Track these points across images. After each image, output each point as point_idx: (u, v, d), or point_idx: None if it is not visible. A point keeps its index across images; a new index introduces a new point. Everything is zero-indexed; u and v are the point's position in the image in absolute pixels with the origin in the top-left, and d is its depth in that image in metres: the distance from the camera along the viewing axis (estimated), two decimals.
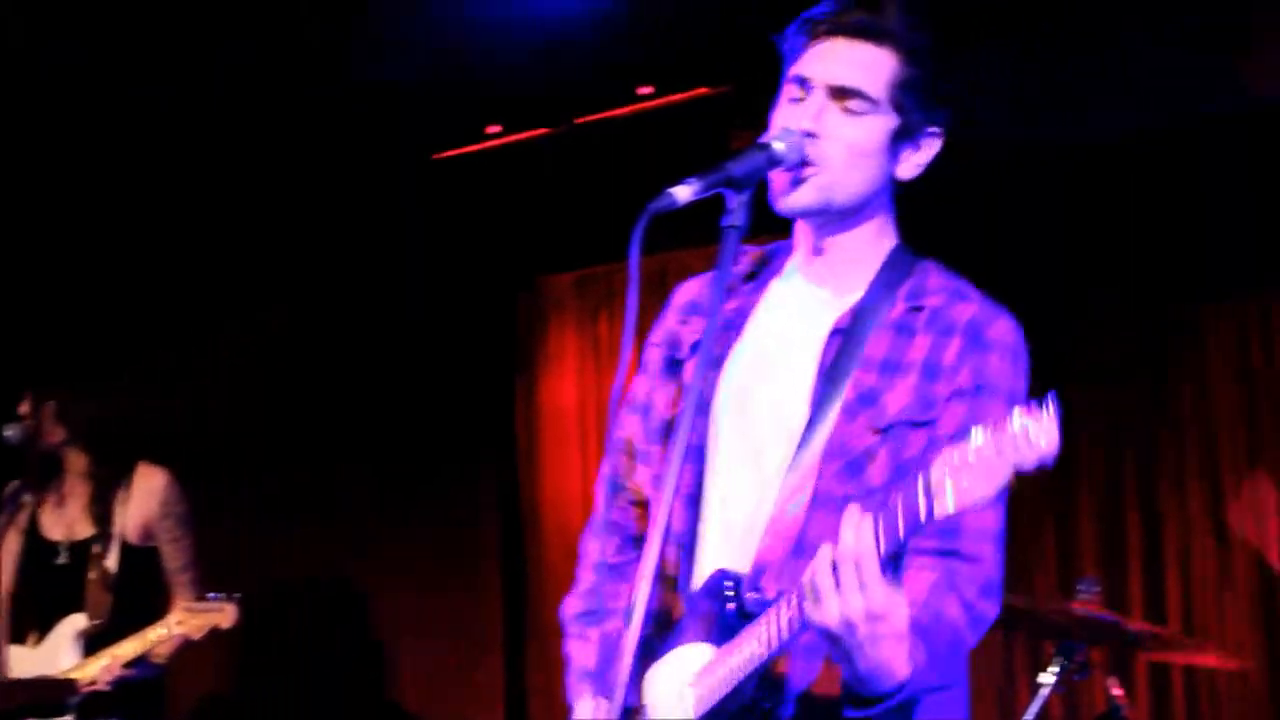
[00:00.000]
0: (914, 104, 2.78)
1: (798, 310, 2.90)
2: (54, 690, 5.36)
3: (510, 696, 7.59)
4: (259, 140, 7.05)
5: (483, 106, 6.94)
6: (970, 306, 2.79)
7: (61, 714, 5.38)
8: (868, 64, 2.75)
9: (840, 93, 2.74)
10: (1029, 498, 6.27)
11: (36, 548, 5.66)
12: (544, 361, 7.72)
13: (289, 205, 7.44)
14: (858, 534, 2.41)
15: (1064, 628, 4.83)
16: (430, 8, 6.08)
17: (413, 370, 7.73)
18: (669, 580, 2.84)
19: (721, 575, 2.71)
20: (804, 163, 2.75)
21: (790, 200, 2.77)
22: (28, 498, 5.68)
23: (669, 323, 3.03)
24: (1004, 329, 2.78)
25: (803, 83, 2.77)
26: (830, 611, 2.42)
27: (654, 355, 3.02)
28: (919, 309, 2.80)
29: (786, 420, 2.80)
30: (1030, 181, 6.09)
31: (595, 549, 3.05)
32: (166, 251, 7.48)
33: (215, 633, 5.42)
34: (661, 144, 6.57)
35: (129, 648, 5.38)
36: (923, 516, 2.34)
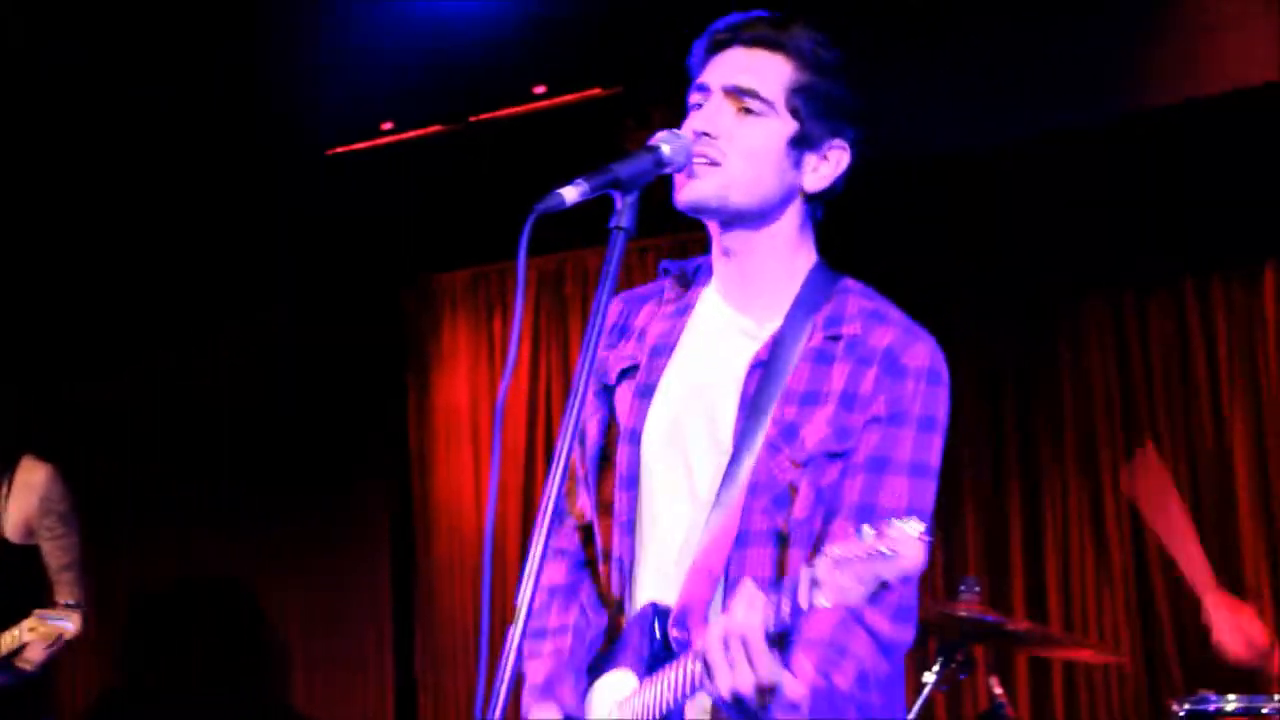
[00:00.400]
0: (812, 112, 2.78)
1: (721, 340, 2.89)
2: None
3: (400, 692, 7.58)
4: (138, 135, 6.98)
5: (378, 104, 6.91)
6: (889, 333, 2.79)
7: None
8: (763, 68, 2.77)
9: (735, 94, 2.76)
10: None
11: None
12: (437, 360, 7.71)
13: (166, 202, 7.38)
14: (748, 610, 2.44)
15: (948, 628, 4.87)
16: (329, 4, 6.07)
17: (305, 367, 7.71)
18: (614, 603, 2.87)
19: (652, 609, 2.73)
20: (704, 162, 2.76)
21: (688, 193, 2.76)
22: None
23: (595, 344, 2.90)
24: (921, 354, 2.78)
25: (702, 89, 2.80)
26: (721, 684, 2.45)
27: (588, 381, 2.91)
28: (837, 338, 2.80)
29: (713, 453, 2.81)
30: (912, 185, 6.08)
31: (550, 572, 3.01)
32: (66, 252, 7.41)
33: (72, 640, 5.34)
34: (556, 143, 6.55)
35: None
36: (804, 607, 2.37)
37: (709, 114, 2.78)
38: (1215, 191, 5.92)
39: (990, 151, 6.09)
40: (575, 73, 6.60)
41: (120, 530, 7.38)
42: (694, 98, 2.83)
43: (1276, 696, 4.37)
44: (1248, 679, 4.79)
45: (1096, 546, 6.14)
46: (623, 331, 3.00)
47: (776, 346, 2.81)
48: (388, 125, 7.03)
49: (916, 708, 4.84)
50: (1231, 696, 4.40)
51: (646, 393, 2.89)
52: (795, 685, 2.50)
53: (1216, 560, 5.36)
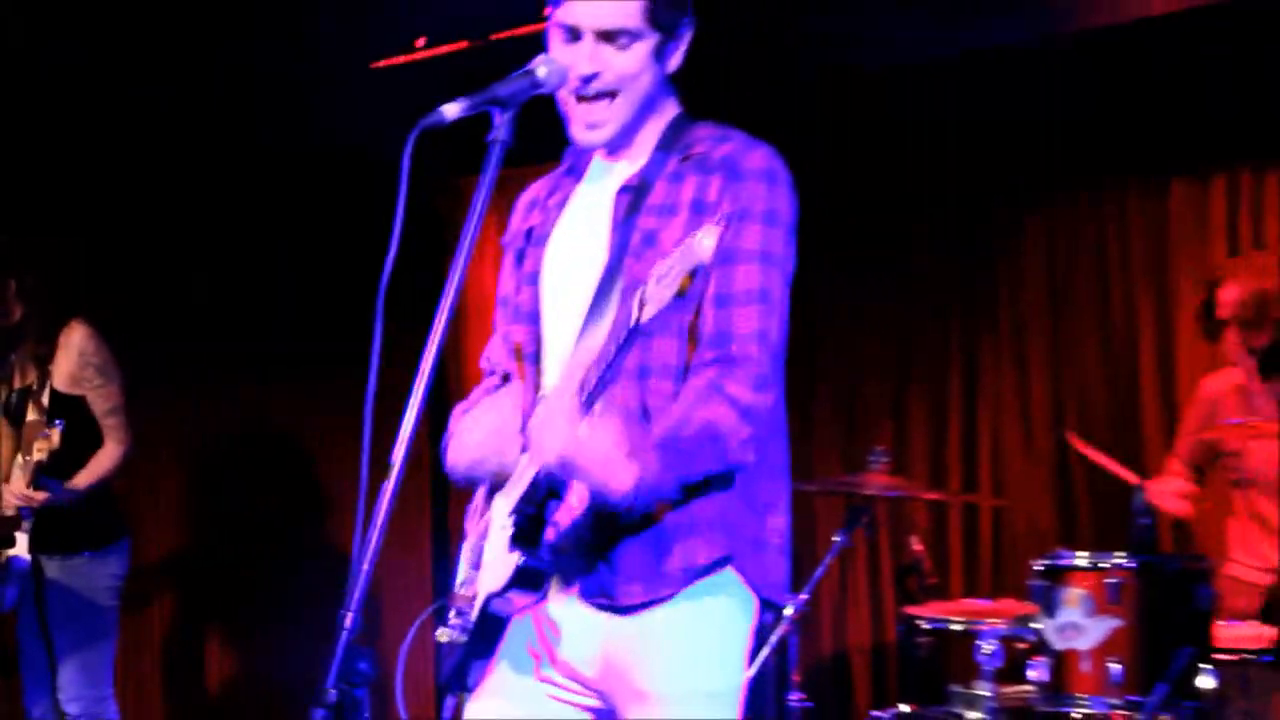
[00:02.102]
0: (666, 18, 2.89)
1: (600, 184, 3.02)
2: (5, 522, 5.44)
3: (438, 556, 7.71)
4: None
5: (409, 23, 6.67)
6: (729, 145, 2.91)
7: (11, 544, 5.45)
8: (624, 6, 2.85)
9: (607, 35, 2.86)
10: (870, 397, 6.57)
11: (8, 396, 5.71)
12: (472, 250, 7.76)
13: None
14: (561, 384, 2.70)
15: (864, 496, 5.20)
16: None
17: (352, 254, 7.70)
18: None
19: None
20: (597, 98, 2.87)
21: (587, 137, 2.93)
22: (11, 359, 5.73)
23: (514, 223, 3.14)
24: (758, 158, 2.89)
25: (571, 30, 2.87)
26: (534, 454, 2.69)
27: (507, 252, 3.14)
28: (688, 158, 2.91)
29: (593, 266, 2.91)
30: (872, 96, 6.15)
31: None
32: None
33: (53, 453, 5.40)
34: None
35: (15, 477, 5.50)
36: (632, 323, 2.54)
37: (587, 55, 2.87)
38: (1130, 114, 5.93)
39: (934, 65, 6.02)
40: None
41: (187, 391, 7.34)
42: (561, 34, 2.89)
43: (1116, 554, 4.57)
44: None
45: (1024, 430, 6.30)
46: (532, 204, 3.13)
47: (641, 176, 2.94)
48: (421, 41, 6.75)
49: (826, 560, 5.11)
50: (1081, 553, 4.62)
51: (541, 241, 3.03)
52: (600, 441, 2.61)
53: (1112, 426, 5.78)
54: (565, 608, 2.87)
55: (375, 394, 2.67)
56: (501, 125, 2.71)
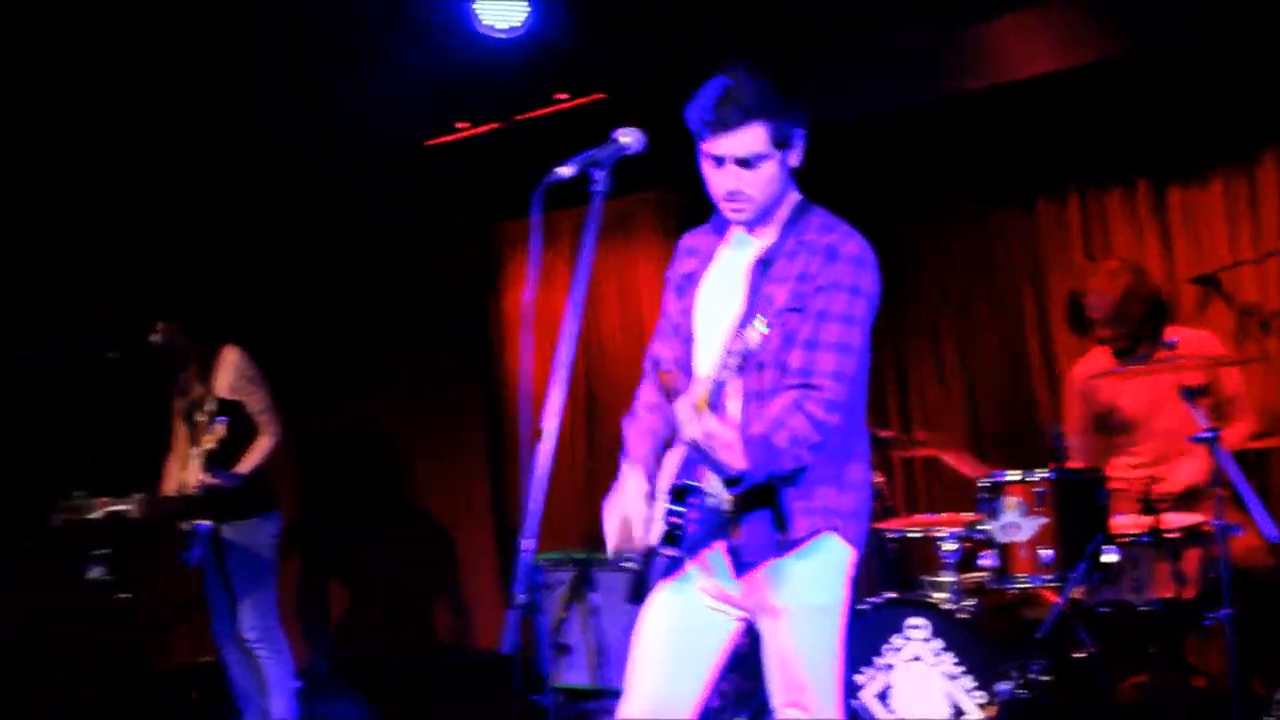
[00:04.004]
0: (786, 135, 3.02)
1: (740, 252, 3.12)
2: (187, 501, 5.51)
3: (497, 515, 7.78)
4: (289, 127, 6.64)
5: (450, 108, 6.89)
6: (832, 235, 3.02)
7: (195, 516, 5.51)
8: (753, 139, 2.98)
9: (744, 162, 3.00)
10: None
11: (185, 405, 5.76)
12: (511, 280, 7.76)
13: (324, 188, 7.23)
14: (693, 391, 2.86)
15: None
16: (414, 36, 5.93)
17: (424, 286, 7.77)
18: None
19: None
20: (739, 207, 3.02)
21: (736, 219, 3.07)
22: (180, 380, 5.79)
23: (675, 262, 3.26)
24: (851, 247, 3.01)
25: (717, 159, 3.01)
26: (685, 433, 2.83)
27: (669, 283, 3.26)
28: (802, 242, 3.02)
29: (729, 310, 3.04)
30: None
31: (645, 394, 3.27)
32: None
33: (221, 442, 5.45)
34: (577, 133, 6.48)
35: (192, 465, 5.54)
36: (719, 379, 2.80)
37: (731, 179, 3.01)
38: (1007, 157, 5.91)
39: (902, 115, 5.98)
40: (584, 84, 6.55)
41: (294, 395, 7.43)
42: (711, 161, 3.01)
43: (1039, 471, 4.55)
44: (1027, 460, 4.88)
45: (941, 383, 6.36)
46: (690, 251, 3.24)
47: (769, 253, 3.06)
48: (462, 124, 7.05)
49: None
50: (1013, 471, 4.62)
51: (694, 283, 3.17)
52: (724, 431, 2.79)
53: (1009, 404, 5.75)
54: (715, 555, 3.06)
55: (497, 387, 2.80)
56: (600, 180, 2.88)
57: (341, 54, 6.01)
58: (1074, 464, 4.96)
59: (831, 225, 3.08)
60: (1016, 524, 4.60)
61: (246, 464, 5.60)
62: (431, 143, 7.23)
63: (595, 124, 6.20)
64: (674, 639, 3.10)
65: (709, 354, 3.07)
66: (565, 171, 2.83)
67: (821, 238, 3.04)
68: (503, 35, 5.86)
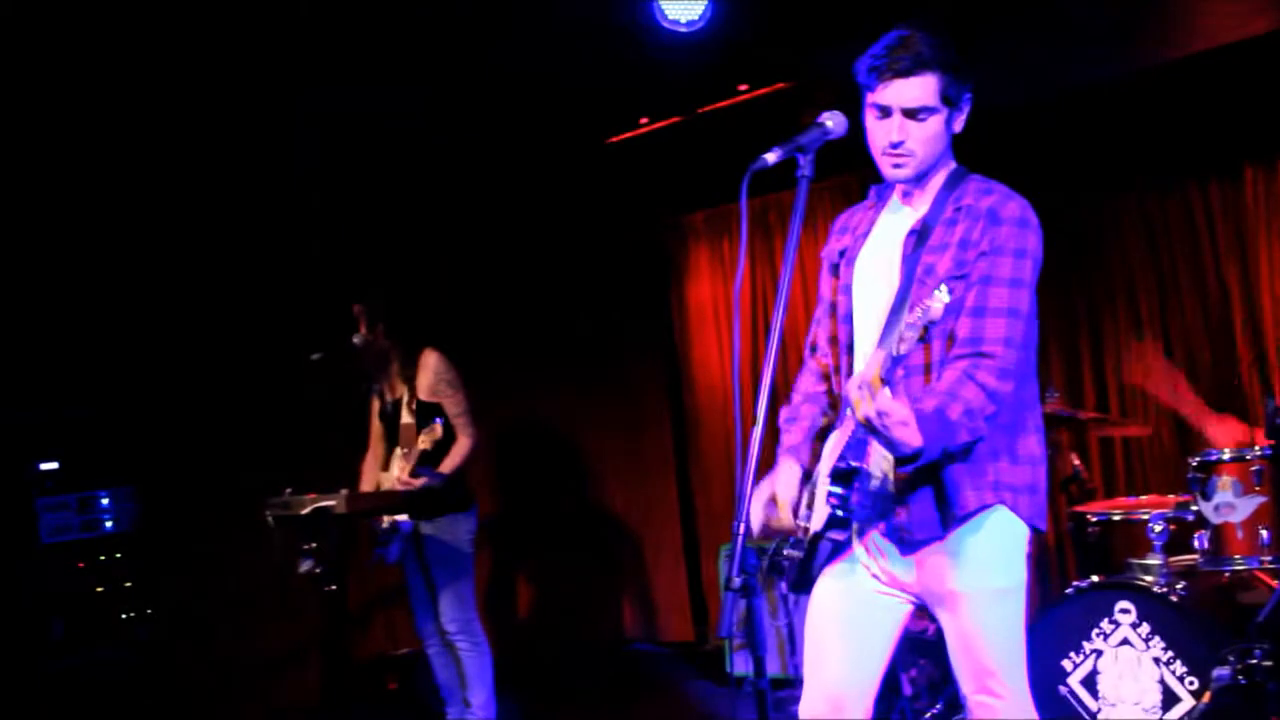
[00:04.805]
0: (954, 94, 2.99)
1: (895, 222, 3.10)
2: (391, 497, 5.57)
3: (683, 508, 7.82)
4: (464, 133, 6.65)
5: (636, 103, 6.84)
6: (991, 198, 2.98)
7: (399, 512, 5.62)
8: (923, 89, 2.96)
9: (911, 113, 2.97)
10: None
11: (383, 406, 5.85)
12: (689, 273, 7.78)
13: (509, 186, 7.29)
14: (869, 366, 2.76)
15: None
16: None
17: (603, 283, 7.82)
18: (837, 399, 3.14)
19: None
20: (900, 156, 2.97)
21: (895, 175, 3.03)
22: (379, 381, 5.86)
23: (830, 243, 3.23)
24: (1013, 208, 2.96)
25: (883, 109, 2.98)
26: (859, 413, 2.74)
27: (824, 263, 3.24)
28: (960, 208, 2.99)
29: (888, 289, 3.01)
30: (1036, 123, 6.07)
31: (802, 383, 3.25)
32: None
33: (435, 442, 5.51)
34: (758, 124, 6.47)
35: (396, 465, 5.65)
36: (896, 354, 2.69)
37: (896, 128, 2.97)
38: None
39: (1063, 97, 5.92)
40: (768, 74, 6.48)
41: (521, 396, 7.58)
42: (875, 113, 2.98)
43: (1255, 448, 4.49)
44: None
45: (1139, 365, 6.06)
46: (843, 229, 3.22)
47: (924, 222, 3.02)
48: (644, 119, 7.01)
49: None
50: (1227, 449, 4.53)
51: (851, 261, 3.13)
52: (899, 408, 2.70)
53: (1213, 380, 5.57)
54: (884, 537, 3.01)
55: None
56: (806, 165, 2.83)
57: (525, 53, 6.01)
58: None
59: (989, 189, 3.02)
60: (1231, 504, 4.51)
61: (448, 464, 5.67)
62: (614, 140, 7.26)
63: (777, 115, 6.49)
64: (846, 628, 3.07)
65: (869, 329, 3.04)
66: (771, 158, 2.80)
67: (980, 201, 2.98)
68: (684, 30, 5.87)
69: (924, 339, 2.70)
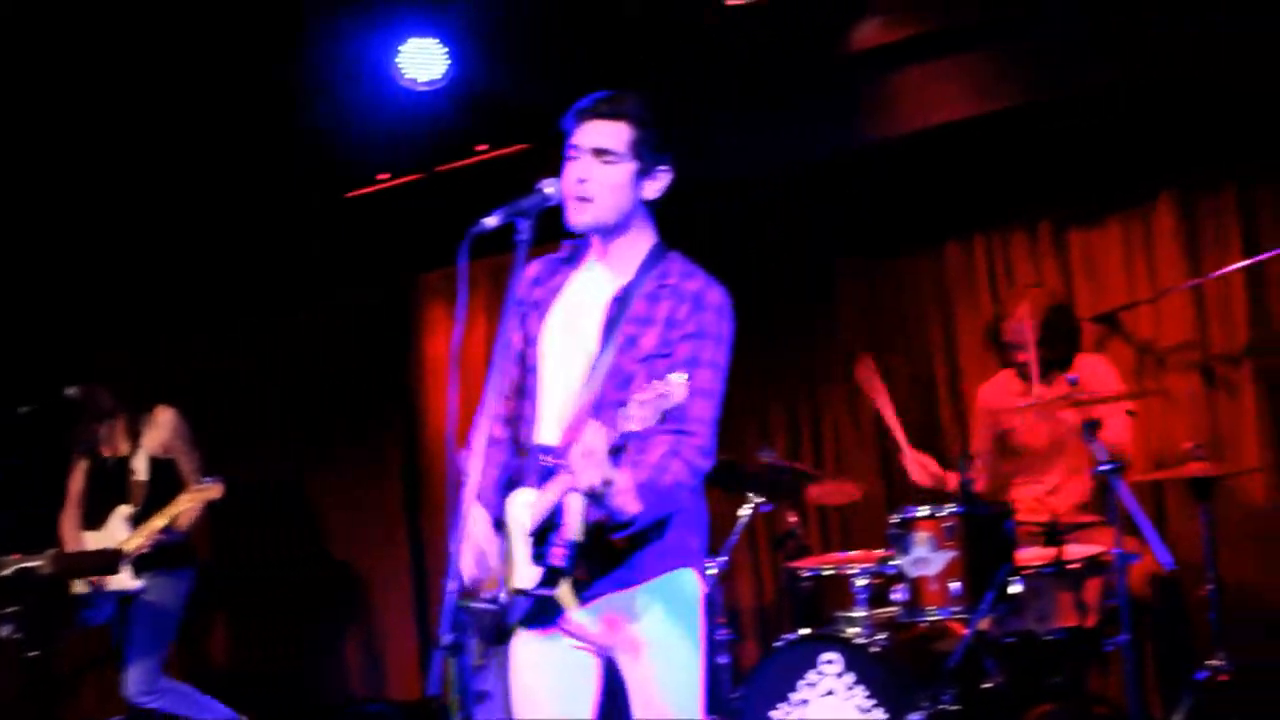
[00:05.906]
0: (646, 153, 3.04)
1: (594, 286, 3.13)
2: (110, 556, 5.48)
3: (414, 562, 7.73)
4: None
5: (373, 161, 6.95)
6: (696, 282, 3.07)
7: (117, 572, 5.50)
8: (613, 133, 3.03)
9: (598, 152, 3.02)
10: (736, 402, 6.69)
11: (98, 464, 5.78)
12: (426, 329, 7.72)
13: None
14: (594, 435, 2.79)
15: (756, 476, 5.35)
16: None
17: (342, 341, 7.76)
18: (524, 448, 3.14)
19: (540, 449, 3.07)
20: (581, 198, 3.02)
21: (575, 220, 3.06)
22: (94, 437, 5.78)
23: (519, 287, 3.17)
24: (715, 295, 3.07)
25: (576, 149, 3.04)
26: (581, 481, 2.81)
27: (513, 313, 3.13)
28: (664, 285, 3.06)
29: (583, 353, 3.05)
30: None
31: (486, 426, 3.08)
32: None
33: (211, 504, 5.51)
34: (496, 184, 6.43)
35: (158, 522, 5.52)
36: (626, 429, 2.76)
37: (582, 167, 3.03)
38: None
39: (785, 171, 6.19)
40: (507, 136, 6.63)
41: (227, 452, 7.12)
42: (571, 153, 3.04)
43: (948, 505, 4.74)
44: (936, 495, 5.16)
45: (854, 426, 6.46)
46: (536, 280, 3.22)
47: (627, 290, 3.08)
48: (384, 176, 7.08)
49: (738, 530, 5.27)
50: (923, 507, 4.77)
51: (542, 312, 3.16)
52: (624, 479, 2.82)
53: (918, 428, 5.82)
54: (574, 590, 3.06)
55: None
56: (525, 230, 2.92)
57: (263, 107, 6.03)
58: (980, 486, 5.16)
59: (691, 272, 3.11)
60: (927, 558, 4.72)
61: (185, 520, 5.59)
62: (352, 195, 7.28)
63: (516, 175, 6.42)
64: (556, 684, 3.13)
65: (560, 387, 3.09)
66: (490, 222, 2.86)
67: (684, 284, 3.08)
68: (424, 88, 5.97)
69: (663, 420, 2.74)
